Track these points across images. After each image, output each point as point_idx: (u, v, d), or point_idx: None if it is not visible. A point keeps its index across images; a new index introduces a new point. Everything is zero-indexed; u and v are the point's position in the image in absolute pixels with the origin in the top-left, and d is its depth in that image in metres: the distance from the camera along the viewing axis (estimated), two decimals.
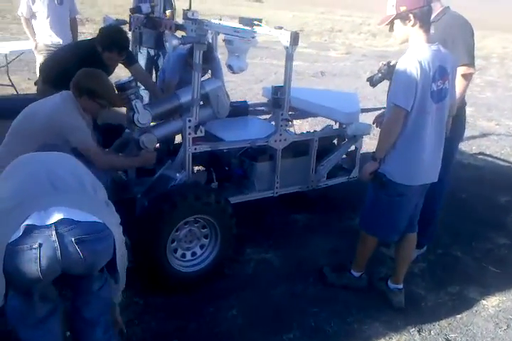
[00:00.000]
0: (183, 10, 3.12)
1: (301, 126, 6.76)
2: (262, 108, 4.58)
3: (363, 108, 7.57)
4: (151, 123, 3.41)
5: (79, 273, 1.95)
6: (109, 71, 3.82)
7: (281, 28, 3.27)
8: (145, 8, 3.51)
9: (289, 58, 3.26)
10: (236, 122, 4.02)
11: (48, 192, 1.91)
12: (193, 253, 3.14)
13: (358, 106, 4.05)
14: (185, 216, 2.96)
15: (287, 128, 3.53)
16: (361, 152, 4.17)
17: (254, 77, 10.14)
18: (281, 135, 3.46)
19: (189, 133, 3.13)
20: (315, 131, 4.07)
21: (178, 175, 3.22)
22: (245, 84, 9.42)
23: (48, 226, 1.79)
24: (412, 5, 2.56)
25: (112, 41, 3.50)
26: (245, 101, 4.29)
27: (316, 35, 19.09)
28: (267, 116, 5.27)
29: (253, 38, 2.99)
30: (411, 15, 2.58)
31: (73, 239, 1.81)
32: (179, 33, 3.48)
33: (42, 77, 3.86)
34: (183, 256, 3.11)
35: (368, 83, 3.42)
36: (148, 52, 5.66)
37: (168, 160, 3.41)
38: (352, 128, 3.81)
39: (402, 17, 2.59)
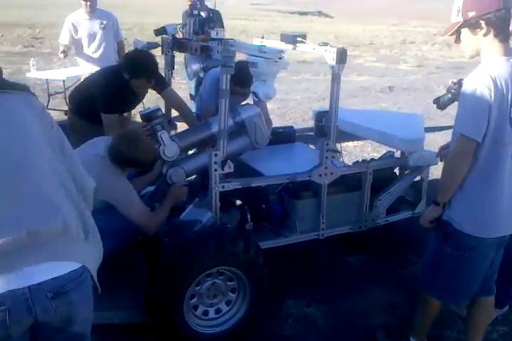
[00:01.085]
0: (206, 31, 2.72)
1: (363, 148, 6.17)
2: (312, 133, 4.07)
3: (435, 126, 6.89)
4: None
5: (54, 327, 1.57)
6: (138, 99, 3.49)
7: (326, 44, 2.78)
8: (171, 29, 3.15)
9: (336, 79, 2.76)
10: (279, 151, 3.54)
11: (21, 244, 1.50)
12: (218, 311, 2.67)
13: (422, 132, 3.44)
14: (205, 268, 2.50)
15: (336, 159, 3.01)
16: (429, 179, 3.57)
17: (317, 95, 9.64)
18: (326, 168, 2.94)
19: (215, 170, 2.69)
20: (370, 159, 3.51)
21: (203, 216, 2.79)
22: (306, 103, 8.94)
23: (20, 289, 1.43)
24: (484, 9, 1.97)
25: (139, 67, 3.16)
26: (291, 127, 3.81)
27: (387, 48, 18.31)
28: None
29: (280, 58, 2.51)
30: (482, 22, 1.99)
31: (48, 294, 1.46)
32: None
33: (70, 107, 3.61)
34: (206, 313, 2.64)
35: (436, 105, 2.85)
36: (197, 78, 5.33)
37: (196, 198, 3.00)
38: (414, 158, 3.21)
39: (471, 25, 2.02)
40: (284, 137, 3.63)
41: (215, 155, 2.66)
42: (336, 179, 3.00)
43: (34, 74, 6.90)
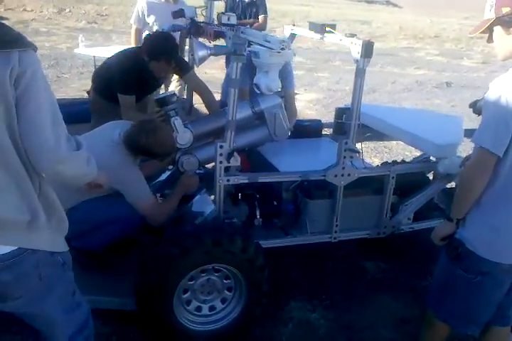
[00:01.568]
0: (217, 13, 2.56)
1: (405, 146, 5.81)
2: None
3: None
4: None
5: None
6: (159, 83, 3.38)
7: (353, 35, 2.57)
8: (189, 11, 3.00)
9: (360, 74, 2.55)
10: (301, 146, 3.37)
11: None
12: (212, 308, 2.57)
13: (459, 136, 3.15)
14: (198, 264, 2.39)
15: (356, 159, 2.80)
16: None
17: (368, 86, 9.26)
18: (343, 169, 2.74)
19: (220, 162, 2.56)
20: (394, 162, 3.27)
21: (206, 209, 2.68)
22: None
23: None
24: None
25: (158, 49, 3.05)
26: (319, 121, 3.60)
27: (452, 42, 17.45)
28: None
29: (283, 49, 2.31)
30: None
31: None
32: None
33: (93, 86, 3.56)
34: (199, 309, 2.54)
35: (472, 109, 2.60)
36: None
37: (205, 188, 2.89)
38: (444, 164, 2.95)
39: (505, 22, 1.76)
40: (309, 131, 3.44)
41: (221, 147, 2.53)
42: (357, 180, 2.81)
43: (82, 50, 6.97)
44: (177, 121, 2.82)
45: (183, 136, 2.82)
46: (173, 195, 2.76)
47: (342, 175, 2.75)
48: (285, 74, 3.37)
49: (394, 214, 3.02)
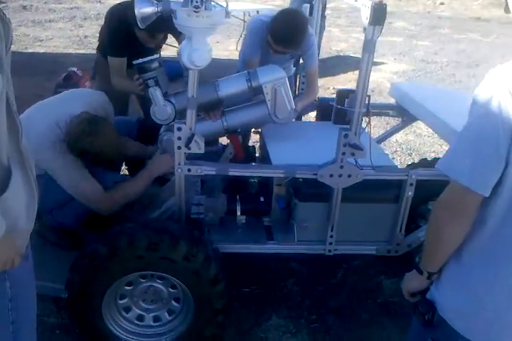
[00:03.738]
0: None
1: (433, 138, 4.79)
2: (388, 111, 3.14)
3: None
4: None
5: None
6: (149, 49, 2.87)
7: None
8: None
9: (368, 47, 1.91)
10: (317, 132, 2.77)
11: None
12: (157, 319, 2.17)
13: None
14: (131, 269, 1.99)
15: (360, 156, 2.17)
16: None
17: (471, 59, 8.07)
18: (342, 168, 2.14)
19: (179, 147, 2.08)
20: (413, 165, 2.58)
21: (167, 201, 2.24)
22: (451, 68, 7.52)
23: None
24: None
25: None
26: None
27: None
28: (394, 123, 3.83)
29: (197, 7, 1.66)
30: None
31: None
32: None
33: (97, 45, 3.20)
34: (140, 318, 2.16)
35: None
36: None
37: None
38: None
39: None
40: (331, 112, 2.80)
41: (179, 129, 2.04)
42: (362, 183, 2.20)
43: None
44: (155, 92, 2.36)
45: (162, 110, 2.37)
46: (134, 180, 2.36)
47: (340, 176, 2.15)
48: (305, 47, 2.75)
49: (408, 231, 2.37)
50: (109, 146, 2.24)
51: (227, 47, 7.72)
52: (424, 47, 8.97)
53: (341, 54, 8.16)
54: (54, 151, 2.18)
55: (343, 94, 2.05)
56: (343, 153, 2.10)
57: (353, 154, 2.11)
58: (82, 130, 2.19)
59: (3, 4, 9.84)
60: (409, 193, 2.25)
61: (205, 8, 1.69)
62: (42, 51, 7.45)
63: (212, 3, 1.72)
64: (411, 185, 2.23)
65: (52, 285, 2.25)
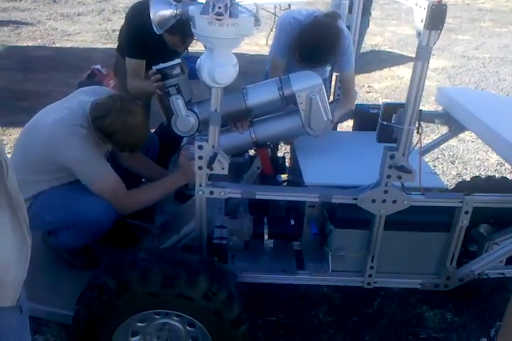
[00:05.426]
0: None
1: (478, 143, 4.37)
2: (434, 119, 2.82)
3: None
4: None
5: None
6: (173, 51, 2.62)
7: None
8: None
9: (423, 55, 1.61)
10: (358, 144, 2.48)
11: None
12: None
13: None
14: (144, 307, 1.75)
15: (409, 180, 1.88)
16: None
17: None
18: (386, 193, 1.86)
19: (200, 168, 1.82)
20: (464, 184, 2.27)
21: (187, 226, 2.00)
22: (494, 65, 7.06)
23: None
24: None
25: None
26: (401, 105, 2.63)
27: None
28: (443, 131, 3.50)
29: (220, 15, 1.37)
30: None
31: None
32: None
33: (117, 45, 2.97)
34: None
35: None
36: None
37: None
38: None
39: None
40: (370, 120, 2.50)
41: (200, 147, 1.79)
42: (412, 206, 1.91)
43: None
44: (177, 102, 2.12)
45: (185, 121, 2.12)
46: (160, 182, 2.19)
47: (383, 202, 1.87)
48: (341, 50, 2.45)
49: (460, 263, 2.07)
50: (137, 128, 2.08)
51: (257, 41, 7.43)
52: (464, 41, 8.49)
53: (376, 49, 7.76)
54: (77, 137, 2.04)
55: (390, 109, 1.76)
56: (388, 176, 1.82)
57: (399, 177, 1.82)
58: (112, 106, 2.05)
59: None
60: (464, 222, 1.95)
61: (230, 15, 1.40)
62: (69, 46, 7.31)
63: (239, 7, 1.44)
64: (466, 213, 1.92)
65: (61, 311, 2.06)
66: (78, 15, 9.27)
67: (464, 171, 3.98)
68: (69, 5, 10.13)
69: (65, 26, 8.41)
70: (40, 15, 8.79)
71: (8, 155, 1.15)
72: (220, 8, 1.38)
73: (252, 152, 2.51)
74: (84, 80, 4.13)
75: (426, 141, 3.97)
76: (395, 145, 1.80)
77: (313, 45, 2.24)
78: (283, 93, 2.12)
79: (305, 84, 2.10)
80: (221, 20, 1.41)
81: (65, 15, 9.17)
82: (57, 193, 2.17)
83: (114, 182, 2.11)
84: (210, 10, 1.39)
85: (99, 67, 4.26)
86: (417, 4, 1.56)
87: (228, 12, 1.39)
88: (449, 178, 3.83)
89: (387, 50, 7.57)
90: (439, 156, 4.17)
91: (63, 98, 2.32)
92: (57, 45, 7.22)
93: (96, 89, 2.39)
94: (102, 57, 6.05)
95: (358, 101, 4.84)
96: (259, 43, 7.16)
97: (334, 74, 2.89)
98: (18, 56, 6.32)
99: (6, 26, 7.87)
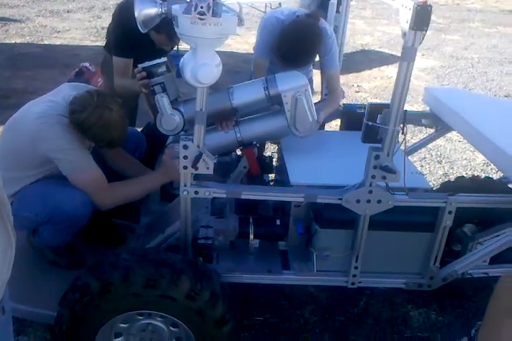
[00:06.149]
0: None
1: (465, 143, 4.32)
2: (421, 119, 2.83)
3: None
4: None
5: None
6: (160, 50, 2.61)
7: None
8: None
9: (408, 55, 1.61)
10: (344, 143, 2.48)
11: None
12: None
13: None
14: (126, 308, 1.74)
15: (395, 180, 1.89)
16: None
17: (503, 56, 7.67)
18: (371, 193, 1.86)
19: (184, 167, 1.82)
20: (449, 185, 2.28)
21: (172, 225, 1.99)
22: (482, 65, 7.10)
23: None
24: None
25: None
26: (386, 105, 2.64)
27: None
28: (430, 131, 3.49)
29: (202, 14, 1.36)
30: None
31: None
32: None
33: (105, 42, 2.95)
34: None
35: None
36: None
37: None
38: None
39: None
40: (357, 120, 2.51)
41: (185, 147, 1.78)
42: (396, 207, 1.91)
43: None
44: (162, 101, 2.11)
45: (169, 119, 2.11)
46: (142, 179, 2.18)
47: (368, 202, 1.87)
48: (323, 52, 2.46)
49: (443, 263, 2.08)
50: (113, 124, 2.07)
51: (247, 40, 7.41)
52: (454, 41, 8.54)
53: (366, 48, 7.78)
54: (60, 126, 2.04)
55: (375, 109, 1.76)
56: (373, 177, 1.82)
57: (384, 177, 1.82)
58: (89, 100, 2.04)
59: None
60: (448, 222, 1.96)
61: (213, 15, 1.40)
62: (58, 43, 7.25)
63: (223, 7, 1.43)
64: (450, 213, 1.93)
65: (45, 312, 2.03)
66: (68, 12, 9.20)
67: (451, 171, 4.00)
68: (58, 2, 10.04)
69: (54, 23, 8.34)
70: (29, 12, 8.71)
71: None
72: (202, 7, 1.37)
73: (239, 151, 2.51)
74: (72, 78, 4.10)
75: (413, 140, 4.00)
76: (380, 145, 1.81)
77: (293, 45, 2.24)
78: (269, 93, 2.11)
79: (291, 84, 2.09)
80: (203, 19, 1.40)
81: (54, 12, 9.09)
82: (35, 188, 2.15)
83: (95, 174, 2.10)
84: (193, 9, 1.38)
85: (87, 64, 4.22)
86: (402, 5, 1.57)
87: (211, 11, 1.38)
88: (435, 178, 3.85)
89: (377, 49, 7.59)
90: (426, 156, 4.19)
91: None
92: (46, 42, 7.16)
93: (81, 85, 2.38)
94: (90, 54, 6.02)
95: (346, 101, 4.87)
96: (250, 42, 7.14)
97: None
98: (6, 53, 6.26)
99: None
